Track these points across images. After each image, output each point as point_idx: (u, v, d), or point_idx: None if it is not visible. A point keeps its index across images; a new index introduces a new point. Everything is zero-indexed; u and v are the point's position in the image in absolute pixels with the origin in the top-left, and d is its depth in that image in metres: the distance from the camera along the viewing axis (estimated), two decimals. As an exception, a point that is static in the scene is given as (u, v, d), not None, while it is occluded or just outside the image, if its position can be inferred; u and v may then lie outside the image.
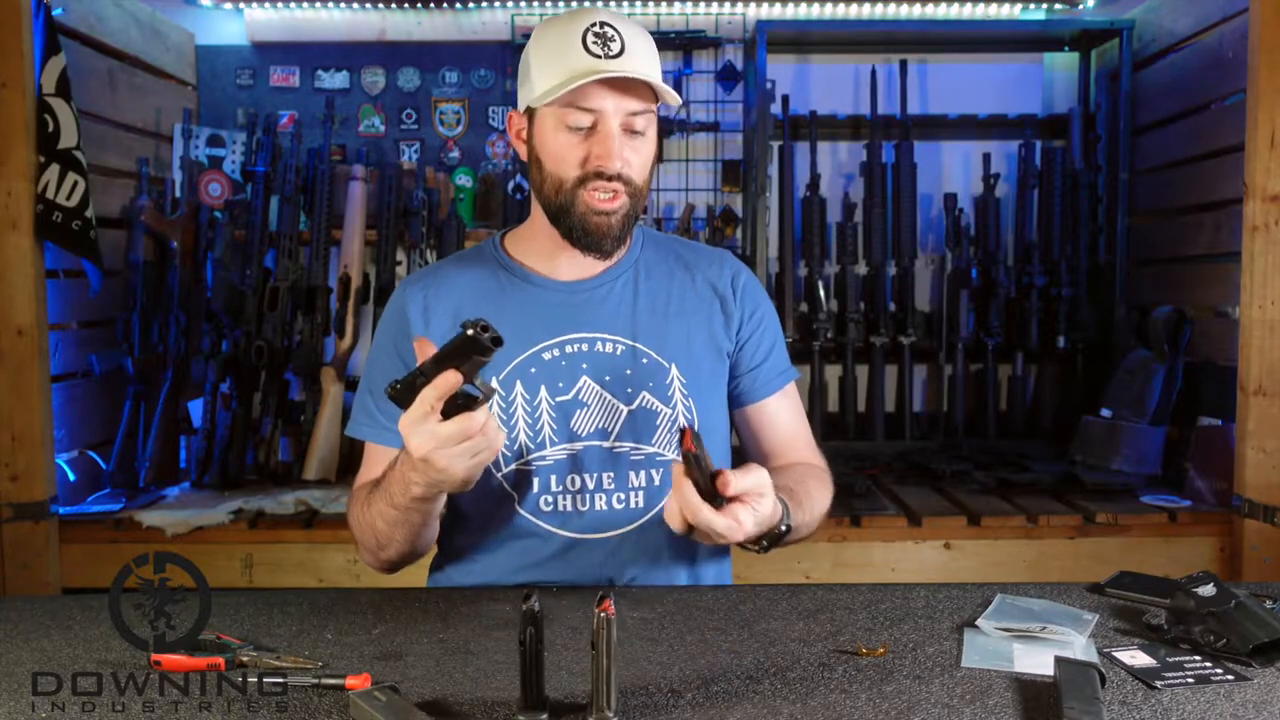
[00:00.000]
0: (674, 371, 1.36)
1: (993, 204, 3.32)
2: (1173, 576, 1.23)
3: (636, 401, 1.34)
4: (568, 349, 1.35)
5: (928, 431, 3.43)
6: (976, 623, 1.15)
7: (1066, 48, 3.50)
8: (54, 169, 2.38)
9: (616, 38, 1.25)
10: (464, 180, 3.36)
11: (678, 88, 3.46)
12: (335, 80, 3.46)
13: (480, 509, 1.36)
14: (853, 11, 3.48)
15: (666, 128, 3.41)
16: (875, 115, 3.33)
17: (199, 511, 2.56)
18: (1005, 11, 3.50)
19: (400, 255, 3.02)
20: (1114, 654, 1.07)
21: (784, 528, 1.17)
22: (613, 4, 3.45)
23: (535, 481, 1.34)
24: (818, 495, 1.34)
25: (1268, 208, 2.39)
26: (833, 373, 3.37)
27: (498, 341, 1.02)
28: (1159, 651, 1.08)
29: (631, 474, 1.34)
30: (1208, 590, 1.11)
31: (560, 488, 1.34)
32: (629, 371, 1.35)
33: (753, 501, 1.09)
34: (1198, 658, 1.06)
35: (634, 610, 1.21)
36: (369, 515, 1.26)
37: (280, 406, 2.91)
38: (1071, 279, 3.29)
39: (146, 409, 2.85)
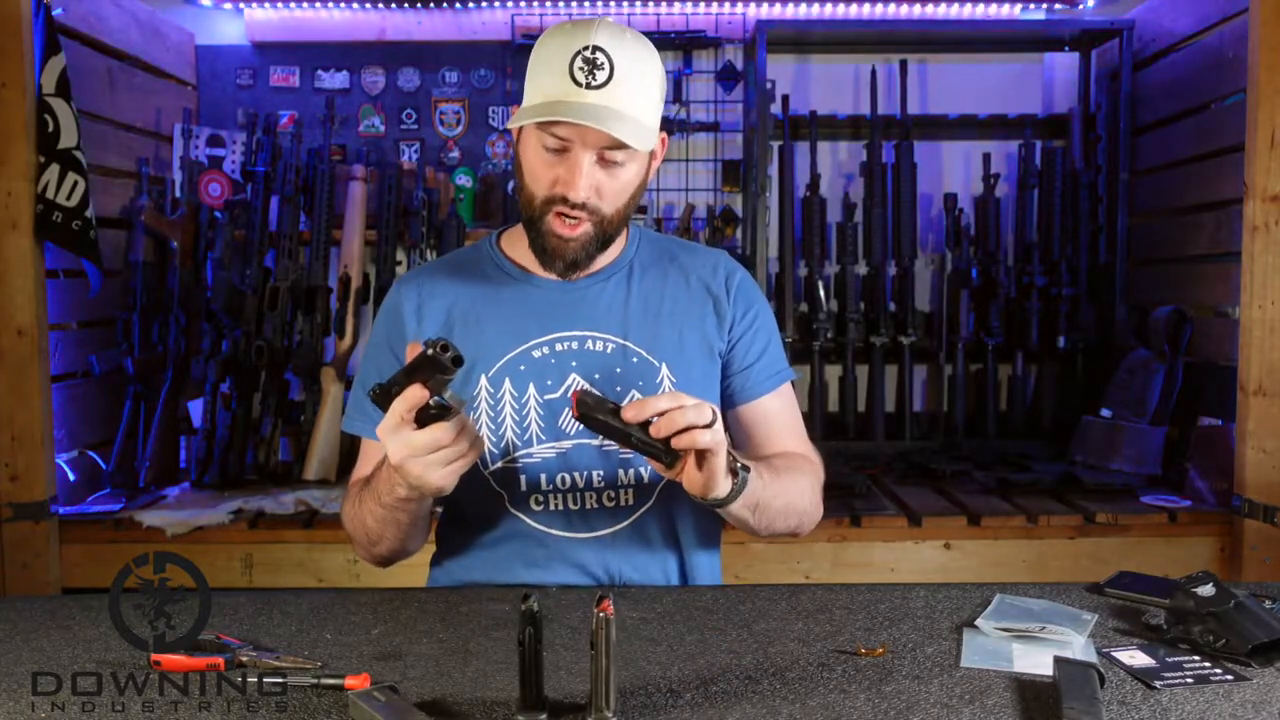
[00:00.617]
0: (664, 371, 1.36)
1: (993, 204, 3.32)
2: (1172, 576, 1.23)
3: (626, 400, 1.34)
4: (558, 347, 1.36)
5: (928, 431, 3.43)
6: (976, 623, 1.15)
7: (1066, 48, 3.50)
8: (54, 169, 2.38)
9: (606, 65, 1.21)
10: (464, 180, 3.36)
11: (678, 88, 3.46)
12: (335, 80, 3.46)
13: (474, 507, 1.37)
14: (853, 11, 3.48)
15: (666, 127, 3.40)
16: (875, 115, 3.33)
17: (199, 511, 2.56)
18: (1005, 11, 3.50)
19: (400, 255, 3.02)
20: (1113, 654, 1.07)
21: (740, 465, 1.17)
22: (614, 4, 3.45)
23: (524, 479, 1.34)
24: (798, 476, 1.34)
25: (1268, 208, 2.39)
26: (833, 373, 3.37)
27: (458, 362, 1.04)
28: (1158, 651, 1.08)
29: (621, 471, 1.35)
30: (1207, 590, 1.11)
31: (550, 486, 1.34)
32: (619, 370, 1.35)
33: (671, 408, 1.09)
34: (1197, 658, 1.06)
35: (633, 610, 1.21)
36: (360, 512, 1.29)
37: (280, 406, 2.91)
38: (1071, 279, 3.29)
39: (146, 409, 2.85)
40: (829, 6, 3.48)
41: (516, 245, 1.41)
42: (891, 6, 3.46)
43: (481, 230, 3.16)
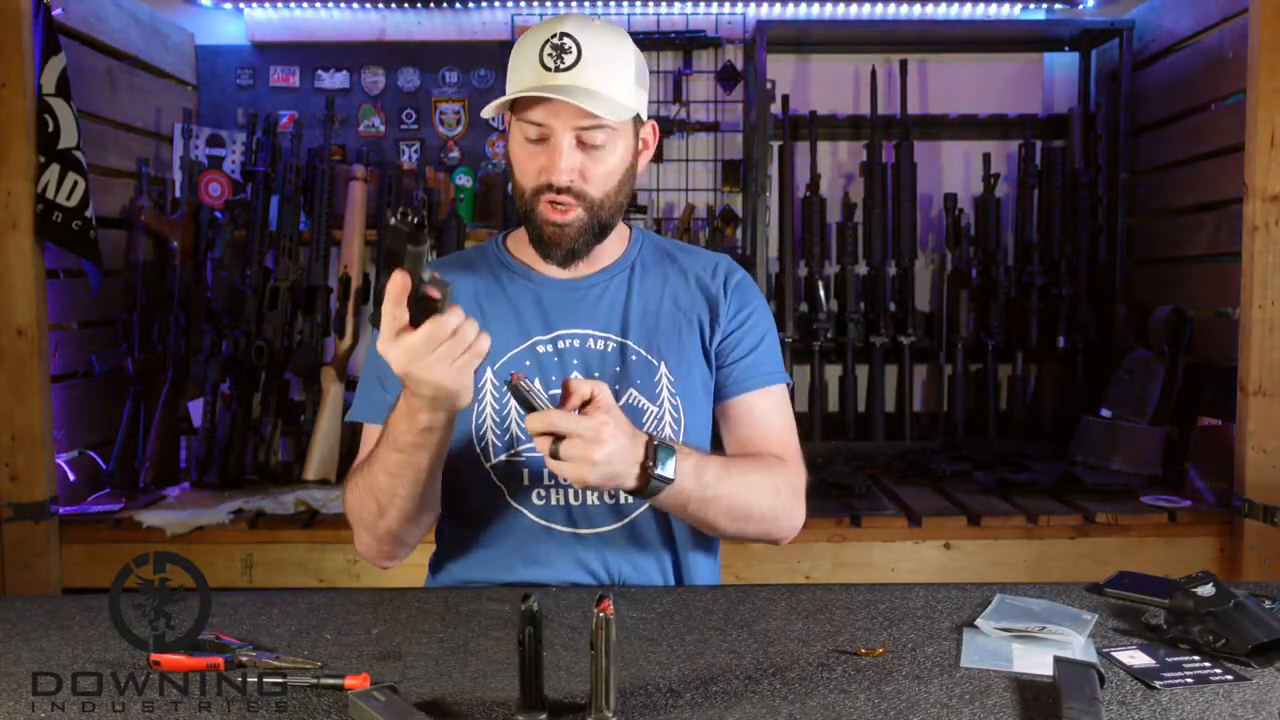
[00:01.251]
0: (663, 370, 1.37)
1: (993, 204, 3.32)
2: (1172, 576, 1.23)
3: (624, 398, 1.35)
4: (560, 344, 1.37)
5: (928, 431, 3.43)
6: (976, 623, 1.15)
7: (1066, 48, 3.50)
8: (54, 169, 2.38)
9: (573, 49, 1.25)
10: (464, 180, 3.36)
11: (678, 88, 3.46)
12: (335, 80, 3.46)
13: (475, 501, 1.37)
14: (853, 11, 3.48)
15: (666, 127, 3.41)
16: (875, 115, 3.33)
17: (199, 511, 2.56)
18: (1005, 11, 3.50)
19: (400, 255, 3.01)
20: (1113, 654, 1.07)
21: (657, 474, 1.17)
22: (614, 5, 3.45)
23: (526, 474, 1.35)
24: (760, 476, 1.32)
25: (1268, 208, 2.39)
26: (833, 373, 3.37)
27: (422, 225, 0.99)
28: (1158, 651, 1.08)
29: None
30: (1207, 590, 1.11)
31: (552, 481, 1.35)
32: (618, 368, 1.37)
33: (562, 429, 1.12)
34: (1197, 658, 1.06)
35: (633, 610, 1.21)
36: (370, 476, 1.24)
37: (280, 406, 2.91)
38: (1071, 279, 3.29)
39: (146, 409, 2.85)
40: (829, 6, 3.48)
41: (522, 245, 1.43)
42: (891, 6, 3.46)
43: (482, 230, 3.16)
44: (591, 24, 1.29)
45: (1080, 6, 3.53)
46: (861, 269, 3.35)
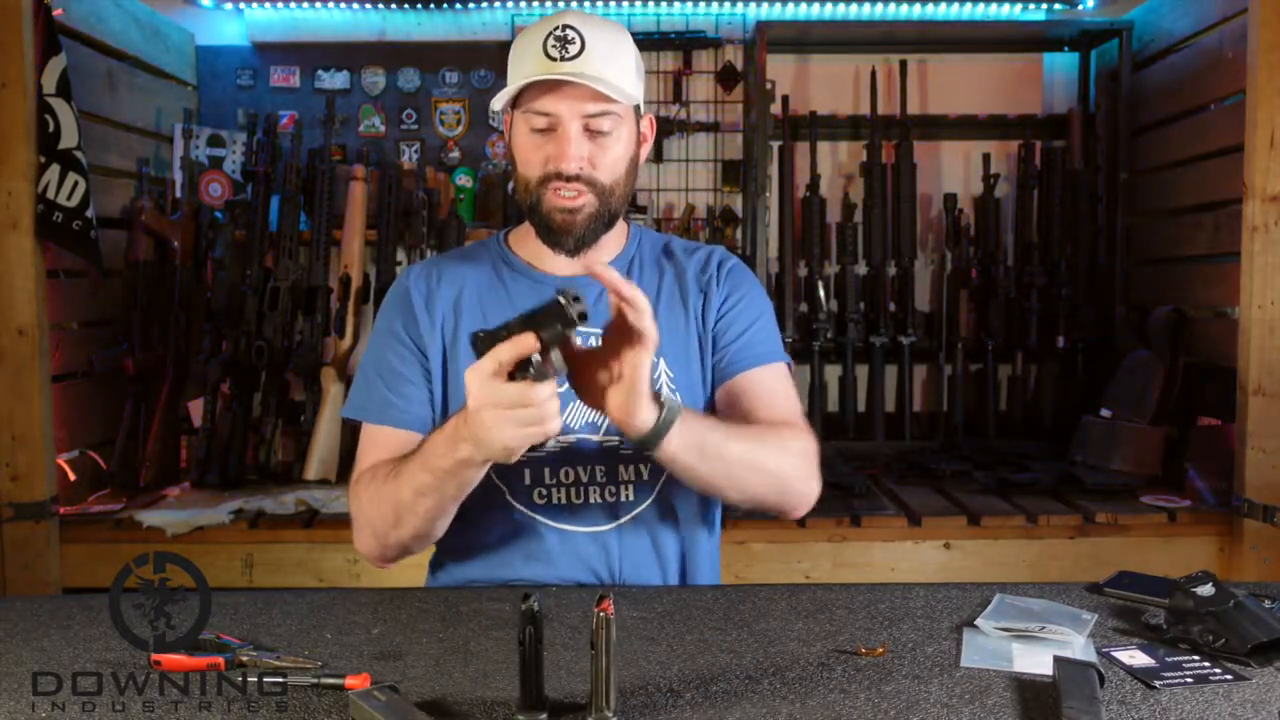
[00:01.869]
0: (662, 366, 1.38)
1: (993, 204, 3.32)
2: (1172, 576, 1.23)
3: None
4: None
5: (928, 431, 3.43)
6: (976, 623, 1.15)
7: (1066, 48, 3.50)
8: (54, 169, 2.38)
9: (576, 39, 1.27)
10: (464, 180, 3.36)
11: (678, 87, 3.46)
12: (335, 80, 3.46)
13: (475, 501, 1.36)
14: (853, 11, 3.48)
15: (666, 127, 3.41)
16: (875, 115, 3.33)
17: (199, 511, 2.56)
18: (1005, 11, 3.50)
19: (400, 255, 3.02)
20: (1113, 654, 1.07)
21: (665, 400, 1.15)
22: (614, 4, 3.45)
23: (527, 473, 1.35)
24: (770, 436, 1.28)
25: (1267, 208, 2.39)
26: (833, 373, 3.37)
27: (583, 317, 1.02)
28: (1158, 651, 1.08)
29: (622, 467, 1.36)
30: (1207, 590, 1.11)
31: (553, 480, 1.35)
32: None
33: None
34: (1196, 657, 1.06)
35: (633, 610, 1.21)
36: (393, 487, 1.23)
37: (280, 406, 2.91)
38: (1071, 279, 3.29)
39: (146, 409, 2.85)
40: (829, 6, 3.48)
41: (523, 242, 1.43)
42: (891, 6, 3.46)
43: (482, 230, 3.16)
44: (591, 18, 1.31)
45: (1080, 6, 3.53)
46: (861, 269, 3.35)
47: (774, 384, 1.39)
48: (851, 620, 1.18)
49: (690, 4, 3.45)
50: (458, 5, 3.43)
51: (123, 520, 2.52)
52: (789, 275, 3.30)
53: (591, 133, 1.29)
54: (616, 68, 1.29)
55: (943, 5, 3.46)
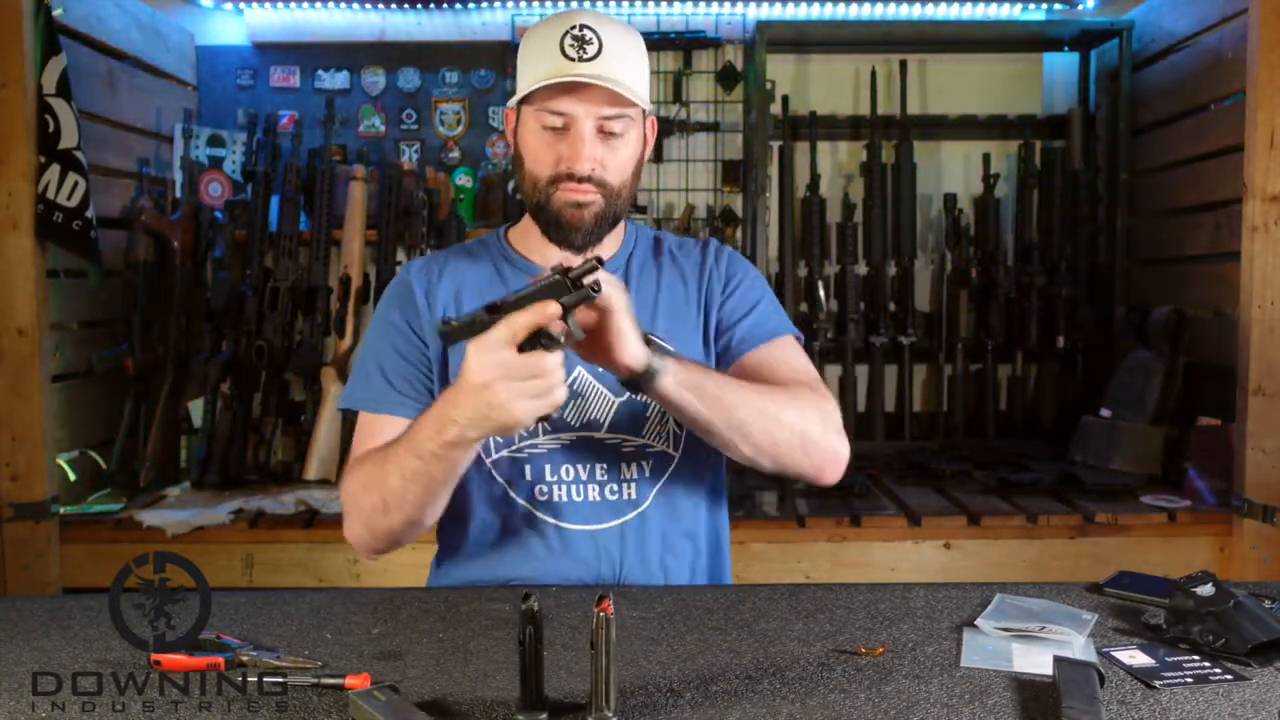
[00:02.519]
0: None
1: (993, 204, 3.33)
2: (1172, 576, 1.23)
3: (626, 393, 1.34)
4: None
5: (928, 431, 3.43)
6: (976, 622, 1.15)
7: (1066, 48, 3.50)
8: (54, 169, 2.38)
9: (594, 40, 1.27)
10: (464, 180, 3.36)
11: (678, 88, 3.46)
12: (335, 80, 3.46)
13: (477, 499, 1.37)
14: (853, 11, 3.48)
15: (666, 127, 3.41)
16: (875, 115, 3.33)
17: (199, 511, 2.56)
18: (1005, 11, 3.50)
19: (400, 255, 3.02)
20: (1113, 654, 1.07)
21: (656, 342, 1.16)
22: (614, 4, 3.45)
23: (528, 469, 1.35)
24: (781, 390, 1.27)
25: (1267, 208, 2.39)
26: (832, 373, 3.37)
27: (596, 287, 1.02)
28: (1158, 651, 1.08)
29: (624, 465, 1.36)
30: (1207, 590, 1.11)
31: (555, 478, 1.35)
32: None
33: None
34: (1196, 657, 1.06)
35: (633, 610, 1.21)
36: (381, 472, 1.22)
37: (280, 406, 2.91)
38: (1071, 279, 3.29)
39: (146, 409, 2.85)
40: (829, 6, 3.48)
41: (523, 239, 1.43)
42: (891, 6, 3.46)
43: (482, 230, 3.17)
44: (605, 18, 1.32)
45: (1080, 6, 3.53)
46: (861, 269, 3.35)
47: (788, 356, 1.39)
48: (851, 620, 1.18)
49: (690, 4, 3.45)
50: (458, 5, 3.43)
51: (123, 520, 2.52)
52: (789, 275, 3.30)
53: (604, 134, 1.30)
54: (633, 70, 1.30)
55: (943, 6, 3.46)
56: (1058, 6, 3.53)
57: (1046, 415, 3.33)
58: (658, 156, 3.47)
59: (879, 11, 3.47)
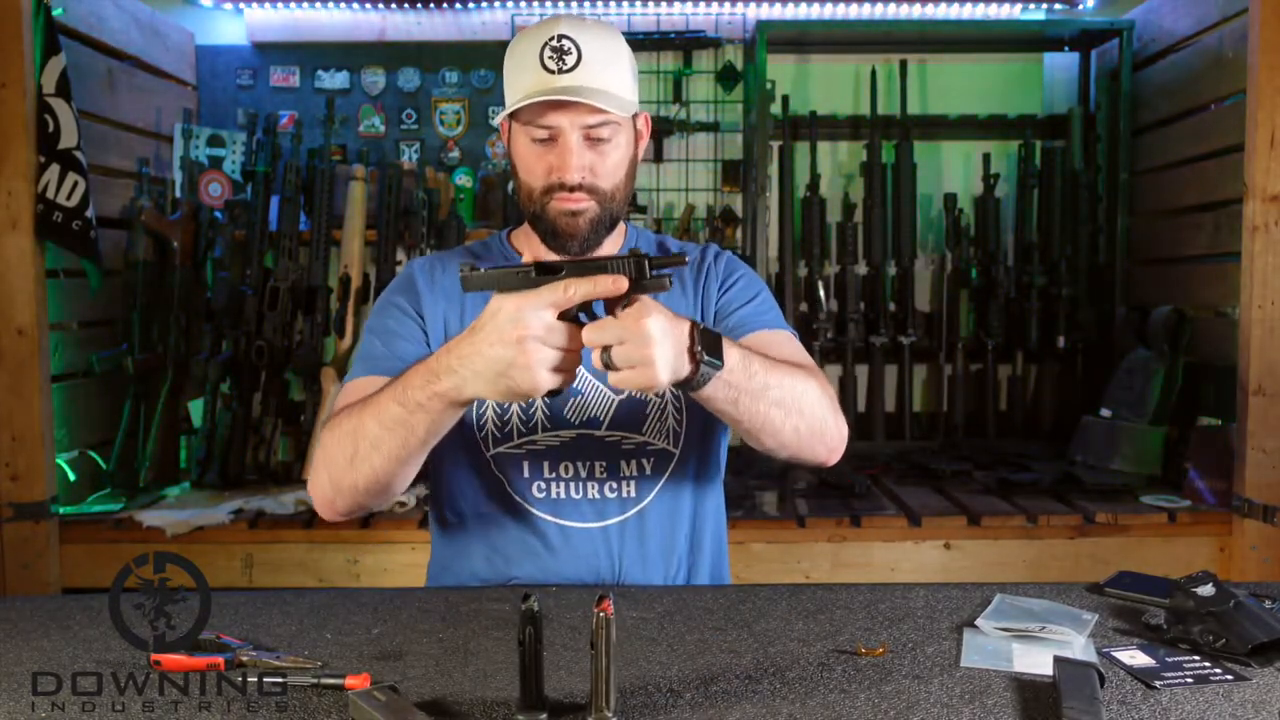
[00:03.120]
0: None
1: (993, 204, 3.33)
2: (1172, 576, 1.23)
3: (626, 390, 1.34)
4: None
5: (928, 431, 3.43)
6: (976, 623, 1.15)
7: (1066, 48, 3.50)
8: (54, 169, 2.39)
9: (573, 50, 1.27)
10: (464, 180, 3.36)
11: (678, 88, 3.46)
12: (335, 80, 3.46)
13: (476, 496, 1.37)
14: (853, 11, 3.48)
15: (666, 128, 3.41)
16: (875, 115, 3.33)
17: (199, 511, 2.56)
18: (1005, 11, 3.50)
19: (400, 255, 3.02)
20: (1113, 654, 1.07)
21: (704, 353, 1.08)
22: (614, 5, 3.45)
23: (527, 465, 1.35)
24: (797, 373, 1.23)
25: (1268, 208, 2.39)
26: (833, 373, 3.37)
27: (670, 283, 1.03)
28: (1158, 651, 1.08)
29: (623, 463, 1.36)
30: (1207, 590, 1.11)
31: (554, 474, 1.35)
32: None
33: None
34: (1197, 658, 1.06)
35: (633, 610, 1.21)
36: (358, 419, 1.18)
37: (280, 406, 2.91)
38: (1071, 279, 3.29)
39: (146, 409, 2.85)
40: (829, 6, 3.48)
41: (525, 242, 1.44)
42: (891, 6, 3.46)
43: (482, 230, 3.17)
44: (584, 23, 1.30)
45: (1080, 6, 3.53)
46: (861, 269, 3.35)
47: (784, 343, 1.37)
48: (851, 620, 1.18)
49: (690, 4, 3.45)
50: (458, 5, 3.43)
51: (123, 520, 2.52)
52: (789, 275, 3.30)
53: (592, 141, 1.30)
54: (614, 75, 1.29)
55: (943, 6, 3.46)
56: (1058, 6, 3.53)
57: (1046, 415, 3.33)
58: (658, 156, 3.47)
59: (879, 12, 3.47)
